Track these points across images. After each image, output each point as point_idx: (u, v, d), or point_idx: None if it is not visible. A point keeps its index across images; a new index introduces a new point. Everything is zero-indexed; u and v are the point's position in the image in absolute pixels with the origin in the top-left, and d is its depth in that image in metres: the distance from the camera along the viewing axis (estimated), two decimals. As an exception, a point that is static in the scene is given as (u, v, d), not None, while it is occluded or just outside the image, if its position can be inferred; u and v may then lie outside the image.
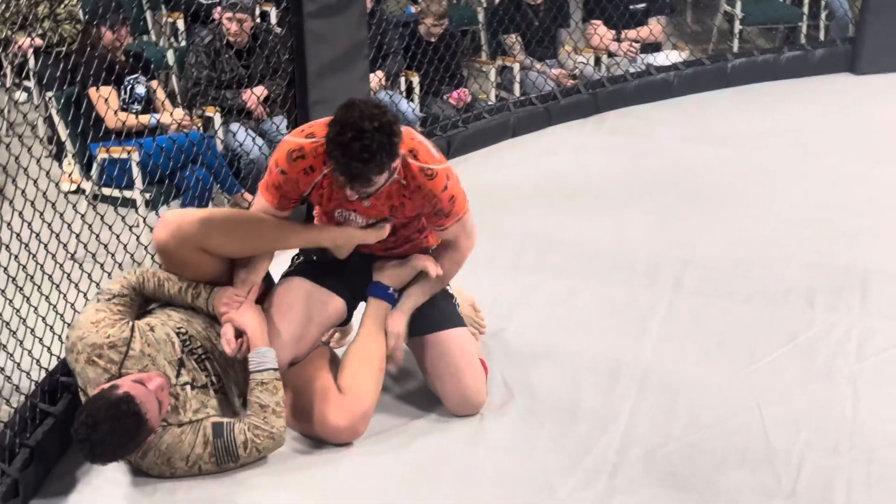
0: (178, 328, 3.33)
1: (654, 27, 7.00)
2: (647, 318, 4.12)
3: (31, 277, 3.52)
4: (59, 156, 5.66)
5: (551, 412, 3.54)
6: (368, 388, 3.37)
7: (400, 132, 3.05)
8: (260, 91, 5.56)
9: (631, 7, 6.96)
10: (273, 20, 6.56)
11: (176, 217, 3.30)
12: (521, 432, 3.44)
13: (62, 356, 3.55)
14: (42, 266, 3.58)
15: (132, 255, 4.09)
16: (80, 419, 3.01)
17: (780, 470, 3.20)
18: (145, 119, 5.29)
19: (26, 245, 3.47)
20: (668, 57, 7.03)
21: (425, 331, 3.48)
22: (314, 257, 3.51)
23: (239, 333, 3.30)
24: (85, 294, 3.75)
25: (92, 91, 5.09)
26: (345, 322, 3.62)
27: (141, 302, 3.40)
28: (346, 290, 3.50)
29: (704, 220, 5.05)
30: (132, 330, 3.24)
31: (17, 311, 3.39)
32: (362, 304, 3.57)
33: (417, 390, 3.65)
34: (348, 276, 3.49)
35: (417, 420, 3.51)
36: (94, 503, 3.18)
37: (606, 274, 4.52)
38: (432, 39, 6.36)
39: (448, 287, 3.57)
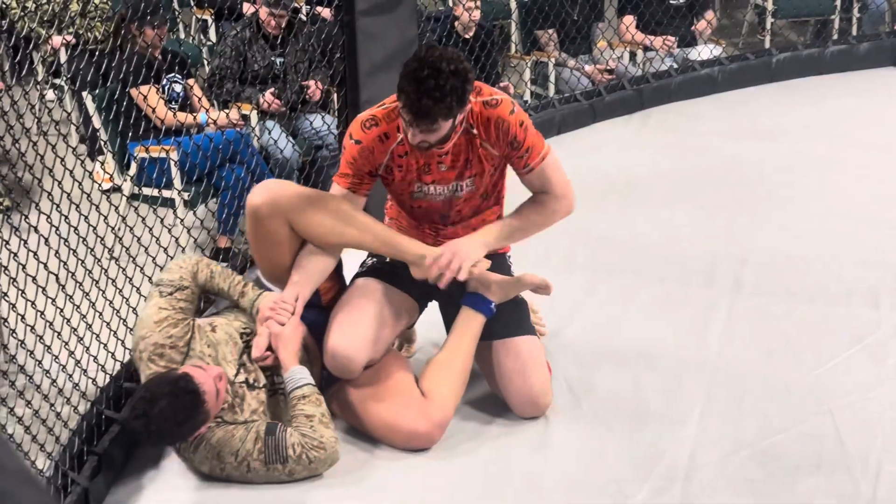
0: (244, 329, 3.31)
1: (702, 25, 6.92)
2: (708, 319, 4.07)
3: (96, 282, 3.48)
4: (92, 154, 5.64)
5: (618, 416, 3.49)
6: (451, 398, 3.34)
7: (472, 80, 3.05)
8: (320, 86, 5.53)
9: (672, 2, 6.89)
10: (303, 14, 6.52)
11: (276, 185, 3.32)
12: (589, 437, 3.40)
13: (125, 361, 3.53)
14: (105, 270, 3.55)
15: (172, 257, 4.04)
16: (137, 395, 3.04)
17: (857, 476, 3.14)
18: (197, 117, 5.25)
19: (74, 250, 3.43)
20: (709, 51, 6.96)
21: (497, 336, 3.43)
22: (386, 258, 3.47)
23: (270, 346, 3.26)
24: (139, 290, 3.72)
25: (134, 90, 5.06)
26: (410, 326, 3.58)
27: (200, 293, 3.38)
28: (417, 291, 3.45)
29: (755, 217, 4.99)
30: (194, 330, 3.22)
31: (84, 316, 3.36)
32: (431, 304, 3.54)
33: (482, 395, 3.60)
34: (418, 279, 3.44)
35: (484, 425, 3.47)
36: (163, 511, 3.15)
37: (662, 273, 4.47)
38: (468, 35, 6.31)
39: (520, 294, 3.52)
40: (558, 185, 3.33)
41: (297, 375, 3.21)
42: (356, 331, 3.29)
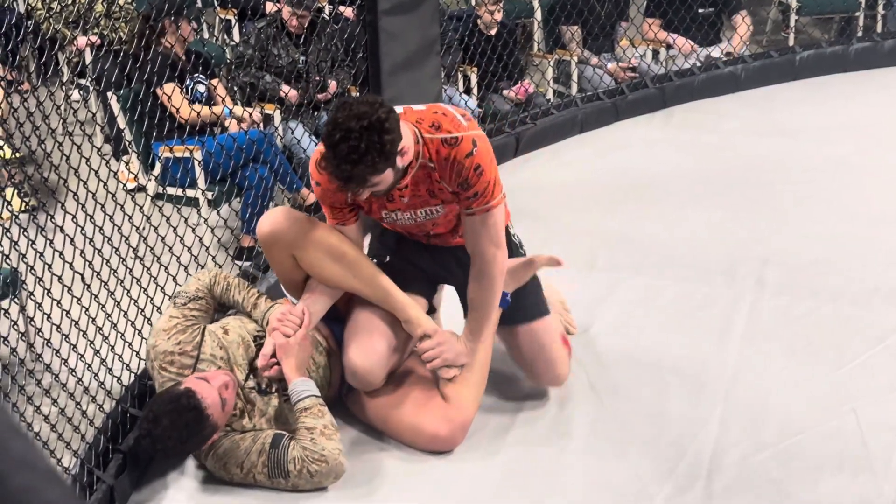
0: (258, 332, 3.32)
1: (741, 28, 6.91)
2: (730, 319, 4.06)
3: (121, 282, 3.51)
4: (117, 154, 5.68)
5: (640, 416, 3.50)
6: (472, 398, 3.35)
7: (394, 128, 2.85)
8: (334, 87, 5.55)
9: (700, 11, 6.88)
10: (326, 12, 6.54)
11: (282, 218, 3.27)
12: (611, 436, 3.40)
13: (149, 360, 3.56)
14: (130, 269, 3.58)
15: (195, 257, 4.07)
16: (143, 415, 3.06)
17: (879, 476, 3.14)
18: (218, 110, 5.28)
19: (99, 250, 3.46)
20: (732, 49, 6.94)
21: (516, 321, 3.46)
22: (386, 258, 3.46)
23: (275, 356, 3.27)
24: (163, 289, 3.75)
25: (160, 90, 5.09)
26: (430, 311, 3.57)
27: (216, 304, 3.42)
28: (424, 284, 3.47)
29: (778, 217, 4.97)
30: (203, 333, 3.25)
31: (109, 315, 3.39)
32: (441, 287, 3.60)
33: (500, 393, 3.61)
34: (424, 267, 3.46)
35: (505, 424, 3.48)
36: (187, 509, 3.18)
37: (684, 273, 4.47)
38: (491, 33, 6.31)
39: (537, 275, 3.54)
40: (488, 240, 3.17)
41: (300, 388, 3.20)
42: (372, 345, 3.30)
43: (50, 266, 3.16)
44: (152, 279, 3.72)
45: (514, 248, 3.54)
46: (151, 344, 3.25)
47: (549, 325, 3.53)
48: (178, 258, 3.87)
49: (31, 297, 3.25)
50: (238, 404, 3.18)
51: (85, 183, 3.38)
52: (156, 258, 3.79)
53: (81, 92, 6.54)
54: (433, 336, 3.30)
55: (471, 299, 3.32)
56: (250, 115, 5.28)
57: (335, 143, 2.83)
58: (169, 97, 4.89)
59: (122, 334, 3.47)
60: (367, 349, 3.29)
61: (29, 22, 6.25)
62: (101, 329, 3.35)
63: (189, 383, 3.07)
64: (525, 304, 3.48)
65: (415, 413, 3.31)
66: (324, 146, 2.89)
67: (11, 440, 0.71)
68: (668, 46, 6.88)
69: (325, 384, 3.35)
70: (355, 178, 2.88)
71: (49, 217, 3.21)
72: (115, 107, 5.15)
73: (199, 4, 7.06)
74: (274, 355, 3.23)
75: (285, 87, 5.47)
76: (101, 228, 3.46)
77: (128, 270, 3.59)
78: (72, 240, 3.23)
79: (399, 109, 3.02)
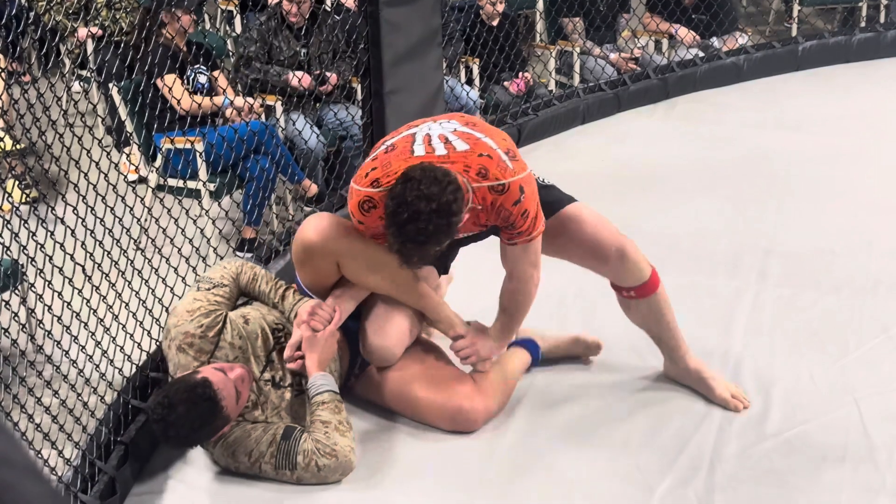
0: (277, 324, 3.32)
1: (738, 36, 6.92)
2: (733, 310, 4.06)
3: (122, 273, 3.51)
4: (118, 146, 5.68)
5: (642, 406, 3.49)
6: (498, 390, 3.43)
7: (461, 208, 2.85)
8: (335, 80, 5.55)
9: (693, 17, 6.88)
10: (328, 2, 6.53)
11: (329, 226, 3.21)
12: (613, 427, 3.39)
13: (151, 351, 3.56)
14: (131, 261, 3.57)
15: (197, 248, 4.06)
16: (157, 399, 3.04)
17: (882, 467, 3.13)
18: (218, 101, 5.26)
19: (100, 241, 3.46)
20: (735, 40, 6.93)
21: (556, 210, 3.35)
22: None
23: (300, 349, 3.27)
24: (164, 280, 3.74)
25: (160, 81, 5.09)
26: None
27: (238, 293, 3.41)
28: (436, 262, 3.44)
29: (782, 208, 4.96)
30: (225, 321, 3.24)
31: (110, 307, 3.38)
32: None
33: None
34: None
35: (506, 417, 3.46)
36: (189, 501, 3.17)
37: (687, 264, 4.46)
38: (493, 23, 6.29)
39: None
40: (528, 263, 3.20)
41: (320, 381, 3.21)
42: (391, 326, 3.33)
43: (51, 258, 3.16)
44: (154, 271, 3.72)
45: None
46: (173, 323, 3.23)
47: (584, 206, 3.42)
48: (180, 250, 3.86)
49: (33, 288, 3.25)
50: (251, 396, 3.18)
51: (86, 174, 3.38)
52: (157, 250, 3.78)
53: (82, 83, 6.53)
54: (466, 335, 3.36)
55: (505, 306, 3.34)
56: (251, 106, 5.26)
57: (402, 222, 2.80)
58: (170, 88, 4.88)
59: (124, 326, 3.47)
60: (386, 331, 3.33)
61: (30, 13, 6.24)
62: (102, 321, 3.34)
63: (206, 373, 3.05)
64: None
65: (441, 387, 3.35)
66: (387, 222, 2.86)
67: None
68: (671, 37, 6.87)
69: (336, 376, 3.35)
70: (421, 258, 2.92)
71: (50, 209, 3.21)
72: (117, 98, 5.15)
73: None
74: (299, 348, 3.24)
75: (298, 73, 5.47)
76: (102, 220, 3.45)
77: (129, 262, 3.58)
78: (73, 231, 3.23)
79: (440, 149, 2.95)
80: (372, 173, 3.00)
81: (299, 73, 5.49)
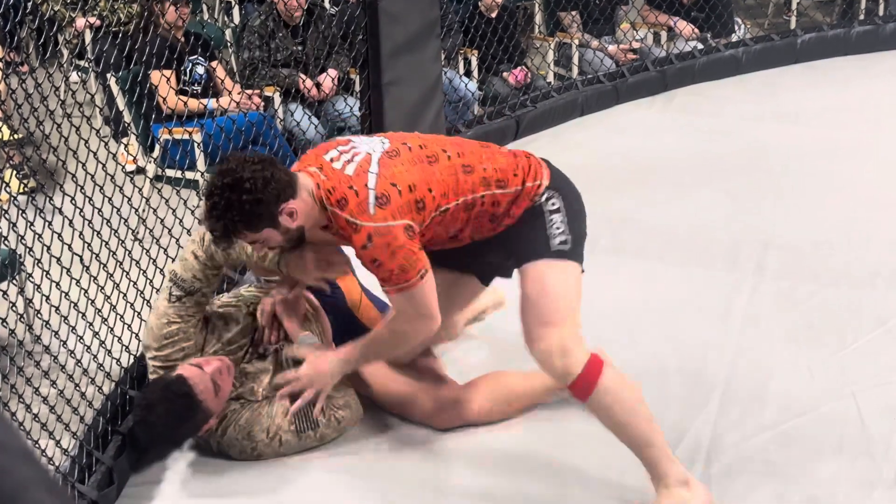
0: (252, 306, 3.32)
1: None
2: (730, 302, 4.06)
3: (120, 263, 3.51)
4: (116, 136, 5.67)
5: (639, 398, 3.49)
6: (483, 406, 3.37)
7: (259, 189, 2.74)
8: (334, 74, 5.54)
9: (693, 13, 6.89)
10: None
11: None
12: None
13: (148, 342, 3.56)
14: (130, 252, 3.57)
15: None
16: (136, 402, 3.08)
17: (879, 459, 3.14)
18: (205, 102, 5.26)
19: (98, 231, 3.45)
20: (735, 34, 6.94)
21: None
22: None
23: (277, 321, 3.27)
24: (162, 271, 3.74)
25: (154, 73, 5.08)
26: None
27: (216, 279, 3.27)
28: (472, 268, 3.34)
29: (780, 201, 4.97)
30: (205, 330, 3.23)
31: (108, 297, 3.38)
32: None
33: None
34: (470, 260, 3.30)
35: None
36: (185, 490, 3.18)
37: (685, 256, 4.46)
38: (492, 15, 6.28)
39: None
40: (404, 317, 2.96)
41: (307, 342, 3.24)
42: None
43: (49, 248, 3.15)
44: (151, 261, 3.72)
45: (571, 255, 3.07)
46: (150, 345, 3.20)
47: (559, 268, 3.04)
48: (178, 240, 3.86)
49: (30, 278, 3.25)
50: (240, 380, 3.19)
51: (84, 165, 3.37)
52: (155, 240, 3.78)
53: (80, 73, 6.52)
54: (298, 377, 3.17)
55: (370, 336, 3.12)
56: (249, 97, 5.26)
57: (205, 196, 2.81)
58: (156, 86, 4.86)
59: (121, 316, 3.47)
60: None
61: (28, 3, 6.22)
62: (99, 311, 3.34)
63: (182, 369, 3.08)
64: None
65: (417, 387, 3.36)
66: None
67: None
68: (670, 29, 6.86)
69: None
70: (221, 235, 2.84)
71: (48, 199, 3.20)
72: (115, 88, 5.14)
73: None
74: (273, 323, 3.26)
75: (308, 83, 5.47)
76: (100, 210, 3.45)
77: (127, 252, 3.58)
78: (70, 221, 3.22)
79: (338, 163, 2.88)
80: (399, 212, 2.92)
81: (309, 83, 5.49)
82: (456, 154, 2.99)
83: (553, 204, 3.04)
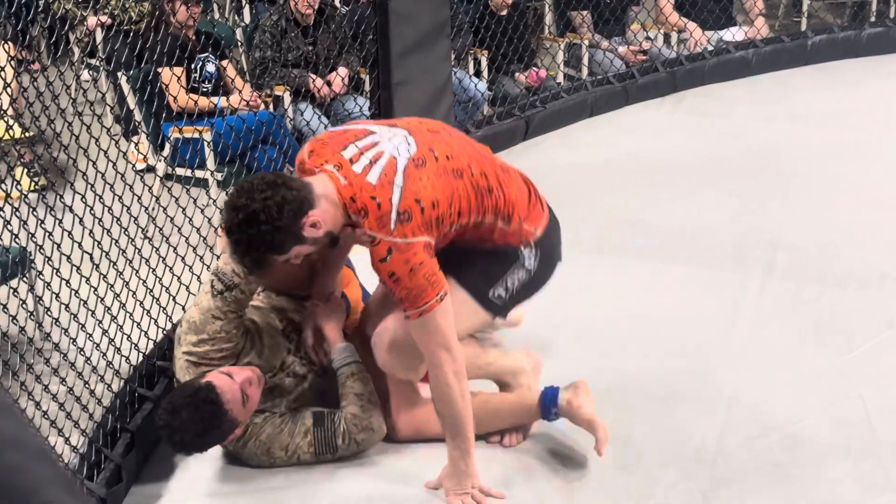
0: (283, 319, 3.32)
1: (758, 20, 6.92)
2: (738, 303, 4.06)
3: (130, 262, 3.52)
4: (127, 135, 5.69)
5: (646, 399, 3.49)
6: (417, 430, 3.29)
7: (273, 218, 2.70)
8: (344, 73, 5.56)
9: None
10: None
11: None
12: (617, 420, 3.38)
13: (158, 340, 3.57)
14: (139, 250, 3.58)
15: (204, 238, 4.07)
16: (162, 405, 3.02)
17: (886, 462, 3.13)
18: (213, 100, 5.27)
19: (108, 229, 3.47)
20: (743, 33, 6.93)
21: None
22: None
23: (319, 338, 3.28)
24: (171, 269, 3.76)
25: (164, 72, 5.09)
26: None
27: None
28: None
29: (788, 201, 4.97)
30: (245, 341, 3.21)
31: (118, 295, 3.40)
32: None
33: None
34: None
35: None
36: (194, 488, 3.19)
37: (692, 257, 4.47)
38: (502, 13, 6.28)
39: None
40: (429, 346, 2.87)
41: (344, 354, 3.23)
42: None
43: (59, 246, 3.17)
44: (161, 260, 3.73)
45: (496, 309, 3.08)
46: (191, 340, 3.14)
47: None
48: (188, 239, 3.87)
49: (41, 276, 3.26)
50: (266, 394, 3.17)
51: (95, 163, 3.39)
52: (165, 239, 3.79)
53: (92, 72, 6.54)
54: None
55: (437, 410, 3.00)
56: (260, 97, 5.27)
57: (226, 233, 2.81)
58: (166, 85, 4.88)
59: (131, 314, 3.48)
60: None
61: (40, 1, 6.24)
62: (109, 309, 3.36)
63: (211, 377, 3.02)
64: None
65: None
66: None
67: (4, 420, 0.72)
68: (681, 31, 6.86)
69: None
70: (254, 267, 2.85)
71: (58, 197, 3.22)
72: (125, 87, 5.16)
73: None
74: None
75: (318, 82, 5.48)
76: (110, 208, 3.46)
77: (136, 251, 3.59)
78: (81, 220, 3.24)
79: (359, 166, 2.81)
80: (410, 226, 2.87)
81: (319, 83, 5.50)
82: (480, 174, 2.92)
83: (527, 262, 3.02)
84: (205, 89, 5.37)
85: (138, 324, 3.51)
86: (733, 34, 6.93)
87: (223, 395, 2.97)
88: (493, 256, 3.01)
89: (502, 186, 2.96)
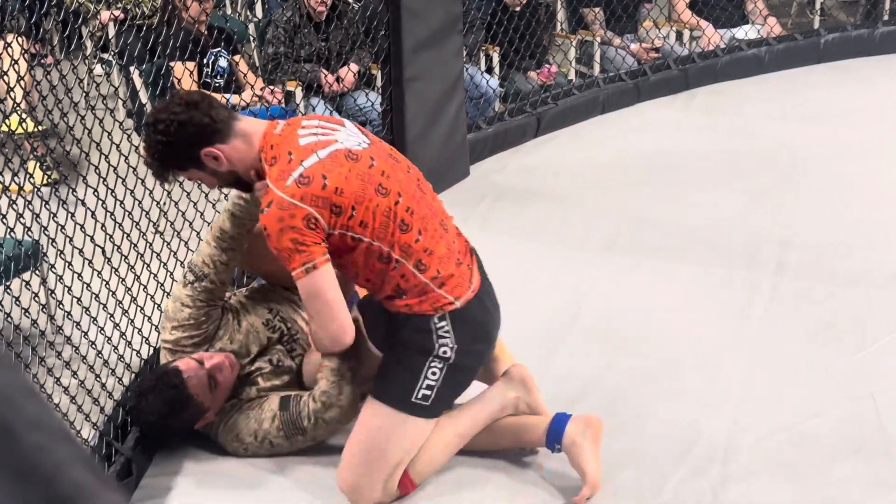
0: (268, 313, 3.33)
1: (771, 20, 6.91)
2: (749, 302, 4.06)
3: (141, 256, 3.53)
4: (139, 129, 5.70)
5: (656, 397, 3.49)
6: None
7: (170, 131, 2.79)
8: (354, 69, 5.56)
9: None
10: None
11: None
12: (627, 417, 3.40)
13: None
14: (151, 244, 3.59)
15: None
16: (131, 388, 3.14)
17: (896, 461, 3.14)
18: (224, 96, 5.28)
19: (120, 223, 3.48)
20: (755, 31, 6.91)
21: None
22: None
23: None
24: (182, 263, 3.76)
25: (177, 66, 5.10)
26: None
27: (222, 269, 3.19)
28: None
29: (800, 200, 4.96)
30: (220, 323, 3.23)
31: (129, 289, 3.41)
32: None
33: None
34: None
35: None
36: (204, 482, 3.19)
37: (703, 255, 4.46)
38: (517, 8, 6.27)
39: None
40: (314, 318, 2.87)
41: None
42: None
43: (71, 239, 3.18)
44: (172, 254, 3.74)
45: (426, 411, 2.94)
46: (162, 327, 3.24)
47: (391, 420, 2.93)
48: (199, 233, 3.88)
49: (53, 269, 3.27)
50: (243, 381, 3.20)
51: (107, 157, 3.40)
52: (176, 233, 3.80)
53: (104, 66, 6.55)
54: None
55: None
56: (272, 93, 5.28)
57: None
58: (178, 79, 4.89)
59: (142, 308, 3.49)
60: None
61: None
62: (120, 303, 3.37)
63: (179, 362, 3.10)
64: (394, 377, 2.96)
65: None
66: None
67: (26, 401, 0.73)
68: (693, 28, 6.85)
69: None
70: (156, 175, 2.95)
71: (71, 190, 3.23)
72: (138, 81, 5.17)
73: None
74: None
75: (329, 78, 5.48)
76: (122, 202, 3.47)
77: (148, 244, 3.60)
78: (93, 213, 3.25)
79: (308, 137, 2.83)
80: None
81: (331, 78, 5.51)
82: (406, 209, 2.83)
83: (441, 349, 2.87)
84: (217, 84, 5.38)
85: (149, 317, 3.52)
86: (746, 32, 6.92)
87: (188, 379, 3.04)
88: (404, 354, 2.91)
89: (424, 233, 2.85)
